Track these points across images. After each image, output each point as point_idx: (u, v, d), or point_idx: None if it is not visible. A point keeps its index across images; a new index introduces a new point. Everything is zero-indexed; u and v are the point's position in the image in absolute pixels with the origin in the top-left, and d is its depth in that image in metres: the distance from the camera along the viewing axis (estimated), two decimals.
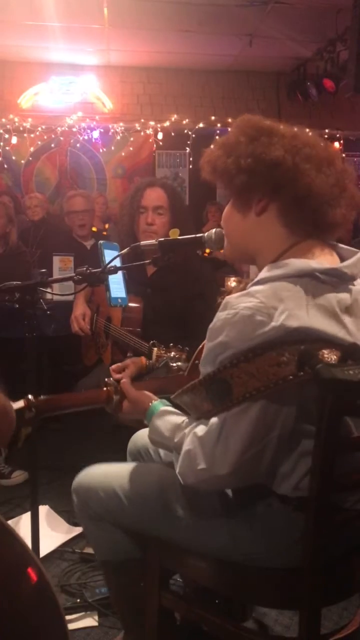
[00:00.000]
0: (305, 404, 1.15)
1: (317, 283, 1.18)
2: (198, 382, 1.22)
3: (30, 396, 1.45)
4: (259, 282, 1.20)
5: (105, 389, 1.51)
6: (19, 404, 1.43)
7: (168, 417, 1.36)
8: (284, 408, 1.15)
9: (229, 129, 1.31)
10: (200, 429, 1.22)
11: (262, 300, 1.13)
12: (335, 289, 1.19)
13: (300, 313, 1.13)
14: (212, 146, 1.32)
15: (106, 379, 1.54)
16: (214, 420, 1.19)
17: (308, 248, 1.24)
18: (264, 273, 1.21)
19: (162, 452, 1.70)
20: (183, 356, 1.62)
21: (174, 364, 1.60)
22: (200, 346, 1.50)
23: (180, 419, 1.33)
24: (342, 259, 1.27)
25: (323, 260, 1.23)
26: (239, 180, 1.26)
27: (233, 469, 1.16)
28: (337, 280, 1.20)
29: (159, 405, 1.41)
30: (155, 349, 1.63)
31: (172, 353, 1.62)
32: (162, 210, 2.56)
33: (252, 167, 1.23)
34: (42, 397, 1.48)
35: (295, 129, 1.28)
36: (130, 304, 2.46)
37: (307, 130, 1.33)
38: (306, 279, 1.17)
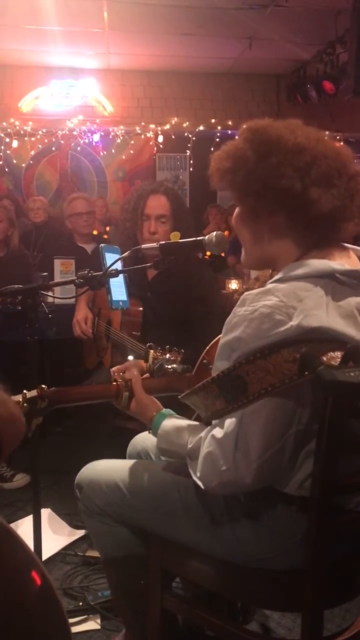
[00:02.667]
0: (317, 401, 1.14)
1: (336, 284, 1.18)
2: (210, 380, 1.21)
3: (43, 386, 1.47)
4: (279, 281, 1.19)
5: (115, 383, 1.52)
6: (32, 393, 1.45)
7: (178, 424, 1.35)
8: (300, 403, 1.15)
9: (236, 137, 1.28)
10: (218, 431, 1.21)
11: (282, 299, 1.13)
12: (354, 291, 1.19)
13: (319, 313, 1.12)
14: (219, 153, 1.28)
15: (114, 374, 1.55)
16: (230, 420, 1.18)
17: (327, 250, 1.24)
18: (284, 272, 1.20)
19: (163, 457, 1.70)
20: (179, 358, 1.62)
21: (169, 366, 1.60)
22: (209, 346, 1.50)
23: (191, 423, 1.32)
24: None
25: (343, 261, 1.22)
26: (247, 202, 1.26)
27: (256, 469, 1.16)
28: (357, 282, 1.20)
29: (162, 417, 1.40)
30: (152, 351, 1.64)
31: (168, 355, 1.62)
32: (164, 218, 2.56)
33: (261, 192, 1.21)
34: (53, 388, 1.50)
35: (301, 133, 1.23)
36: (130, 307, 2.46)
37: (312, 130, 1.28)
38: (326, 279, 1.17)
